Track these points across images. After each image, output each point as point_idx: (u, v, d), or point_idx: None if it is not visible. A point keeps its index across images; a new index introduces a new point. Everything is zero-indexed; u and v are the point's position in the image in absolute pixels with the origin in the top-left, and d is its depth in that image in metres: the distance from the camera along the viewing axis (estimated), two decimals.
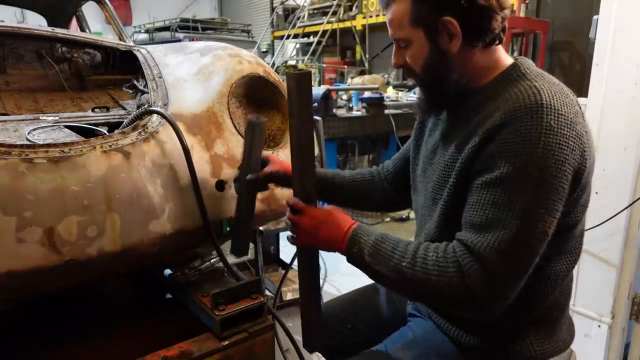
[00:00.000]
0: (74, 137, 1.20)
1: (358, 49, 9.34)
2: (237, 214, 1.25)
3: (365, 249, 0.95)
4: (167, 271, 1.40)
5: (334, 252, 1.02)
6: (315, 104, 3.85)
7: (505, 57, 0.99)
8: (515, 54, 6.87)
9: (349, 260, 1.00)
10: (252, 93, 1.43)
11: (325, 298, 2.55)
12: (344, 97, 5.16)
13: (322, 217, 1.01)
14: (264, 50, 10.86)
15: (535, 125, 0.83)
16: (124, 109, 1.55)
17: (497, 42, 0.96)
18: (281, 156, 1.43)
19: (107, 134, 1.23)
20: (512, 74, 0.95)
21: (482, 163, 0.89)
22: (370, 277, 0.98)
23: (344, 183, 1.32)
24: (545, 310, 1.00)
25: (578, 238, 1.00)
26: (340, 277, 3.04)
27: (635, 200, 1.61)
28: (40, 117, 1.33)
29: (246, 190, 1.21)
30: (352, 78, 6.45)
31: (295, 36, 10.01)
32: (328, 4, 9.40)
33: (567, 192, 0.86)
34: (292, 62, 10.24)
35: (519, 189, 0.83)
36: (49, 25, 2.76)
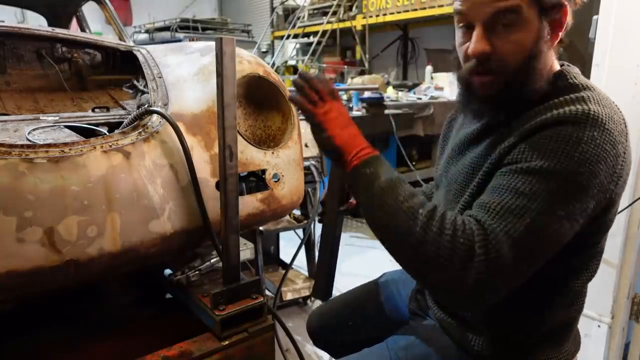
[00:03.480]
0: (74, 137, 1.20)
1: (358, 49, 9.33)
2: (322, 253, 1.15)
3: (382, 177, 0.83)
4: (167, 271, 1.41)
5: (337, 157, 0.89)
6: None
7: (555, 60, 0.92)
8: None
9: (351, 177, 0.87)
10: (252, 93, 1.43)
11: None
12: (344, 97, 5.15)
13: (348, 119, 0.91)
14: (264, 50, 10.85)
15: (577, 132, 0.78)
16: (124, 109, 1.55)
17: (558, 40, 0.89)
18: (281, 155, 1.43)
19: (107, 134, 1.23)
20: (559, 82, 0.89)
21: (513, 155, 0.82)
22: (367, 210, 0.84)
23: None
24: (556, 325, 0.98)
25: (598, 256, 0.96)
26: (340, 277, 3.04)
27: (635, 200, 1.61)
28: (41, 117, 1.33)
29: (336, 223, 1.10)
30: (352, 78, 6.45)
31: (295, 36, 10.01)
32: (328, 4, 9.39)
33: (591, 208, 0.80)
34: (292, 62, 10.23)
35: (545, 184, 0.77)
36: (49, 25, 2.76)
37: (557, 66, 0.92)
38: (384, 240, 0.83)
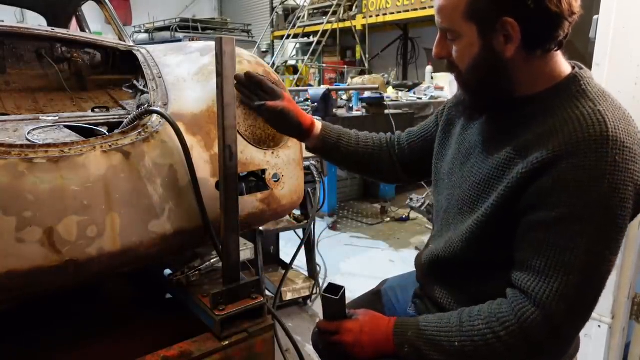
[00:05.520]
0: (74, 137, 1.20)
1: (358, 49, 9.33)
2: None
3: (417, 344, 0.91)
4: (167, 271, 1.40)
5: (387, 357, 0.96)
6: (315, 104, 3.85)
7: (563, 64, 0.90)
8: None
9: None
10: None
11: None
12: (344, 97, 5.16)
13: (359, 327, 0.97)
14: (264, 50, 10.85)
15: (599, 161, 0.76)
16: (124, 109, 1.55)
17: (557, 48, 0.87)
18: (281, 155, 1.43)
19: (107, 134, 1.23)
20: (572, 88, 0.86)
21: (535, 197, 0.82)
22: None
23: (349, 146, 1.25)
24: None
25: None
26: (340, 277, 3.05)
27: None
28: (40, 117, 1.33)
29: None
30: (352, 78, 6.45)
31: (295, 36, 10.01)
32: (328, 4, 9.40)
33: (626, 225, 0.82)
34: (292, 62, 10.24)
35: (582, 230, 0.78)
36: (49, 25, 2.76)
37: (565, 68, 0.90)
38: None
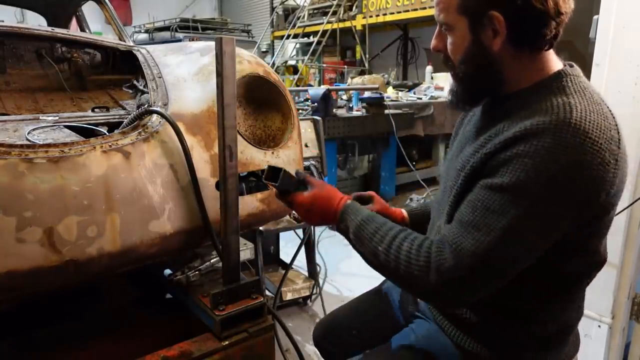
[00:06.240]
0: (73, 137, 1.20)
1: (358, 49, 9.33)
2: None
3: (351, 228, 0.99)
4: (167, 271, 1.41)
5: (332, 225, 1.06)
6: (315, 104, 3.85)
7: (552, 64, 0.92)
8: None
9: (340, 233, 1.04)
10: (252, 93, 1.43)
11: (326, 298, 2.57)
12: (344, 97, 5.16)
13: (309, 203, 1.06)
14: (264, 50, 10.85)
15: (556, 145, 0.78)
16: (124, 109, 1.55)
17: (547, 47, 0.90)
18: (281, 155, 1.43)
19: (107, 134, 1.23)
20: (552, 85, 0.88)
21: (491, 168, 0.85)
22: (357, 252, 1.01)
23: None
24: (555, 328, 0.98)
25: (595, 264, 0.96)
26: (340, 277, 3.04)
27: (635, 200, 1.61)
28: (40, 117, 1.33)
29: None
30: (352, 78, 6.44)
31: (295, 36, 10.01)
32: (328, 4, 9.39)
33: (570, 220, 0.82)
34: (292, 62, 10.23)
35: (516, 201, 0.80)
36: (49, 25, 2.76)
37: (553, 67, 0.92)
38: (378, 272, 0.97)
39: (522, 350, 0.98)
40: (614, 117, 0.86)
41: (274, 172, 1.06)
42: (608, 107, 0.87)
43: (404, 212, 1.27)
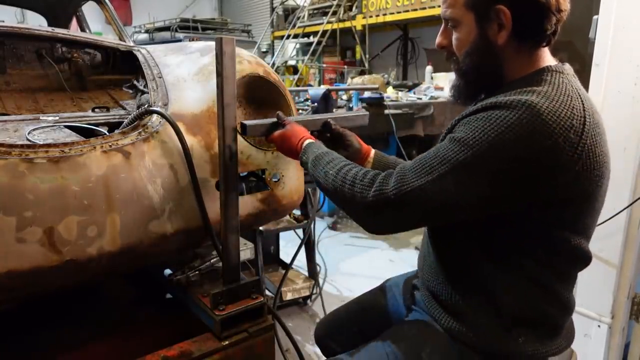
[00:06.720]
0: (74, 137, 1.20)
1: (358, 49, 9.32)
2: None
3: (310, 158, 1.10)
4: (167, 271, 1.41)
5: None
6: (315, 104, 3.85)
7: (545, 60, 0.96)
8: None
9: (302, 166, 1.16)
10: (252, 93, 1.43)
11: (326, 298, 2.57)
12: (344, 97, 5.15)
13: (280, 141, 1.20)
14: (264, 50, 10.85)
15: (510, 116, 0.82)
16: (124, 109, 1.55)
17: (545, 43, 0.94)
18: (281, 156, 1.43)
19: (107, 134, 1.23)
20: (533, 78, 0.92)
21: (454, 126, 0.93)
22: (315, 183, 1.10)
23: None
24: (546, 315, 0.99)
25: (578, 258, 0.98)
26: (340, 277, 3.05)
27: (635, 200, 1.61)
28: (40, 117, 1.33)
29: None
30: (352, 78, 6.44)
31: (295, 36, 10.01)
32: (328, 4, 9.39)
33: (517, 191, 0.85)
34: (292, 62, 10.23)
35: (459, 151, 0.85)
36: (49, 25, 2.76)
37: (546, 63, 0.95)
38: (328, 197, 1.09)
39: (516, 337, 0.98)
40: (584, 111, 0.87)
41: (242, 126, 1.22)
42: (583, 104, 0.88)
43: (372, 152, 1.32)
